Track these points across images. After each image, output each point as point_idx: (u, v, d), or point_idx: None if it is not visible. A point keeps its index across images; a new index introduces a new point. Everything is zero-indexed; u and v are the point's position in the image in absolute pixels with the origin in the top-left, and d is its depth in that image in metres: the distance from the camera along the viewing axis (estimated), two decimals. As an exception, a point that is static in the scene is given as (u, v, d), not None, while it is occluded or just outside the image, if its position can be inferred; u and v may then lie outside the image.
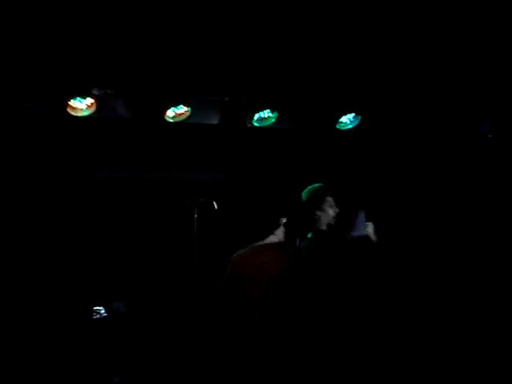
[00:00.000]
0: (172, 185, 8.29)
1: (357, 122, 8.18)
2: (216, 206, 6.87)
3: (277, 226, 6.09)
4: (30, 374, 6.73)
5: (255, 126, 7.97)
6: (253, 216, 7.01)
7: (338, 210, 5.99)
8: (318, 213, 6.01)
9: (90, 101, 7.47)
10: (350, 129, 8.20)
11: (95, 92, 7.49)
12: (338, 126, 8.19)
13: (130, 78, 7.58)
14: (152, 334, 7.49)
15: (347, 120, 8.20)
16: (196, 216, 6.82)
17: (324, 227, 6.02)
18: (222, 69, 7.58)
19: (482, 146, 8.36)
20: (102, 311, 7.26)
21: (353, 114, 8.15)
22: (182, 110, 7.76)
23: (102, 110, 7.53)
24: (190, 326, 6.64)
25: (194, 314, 6.57)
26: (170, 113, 7.72)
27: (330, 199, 6.03)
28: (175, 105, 7.68)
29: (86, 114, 7.49)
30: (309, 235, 6.06)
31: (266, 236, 5.92)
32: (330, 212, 5.99)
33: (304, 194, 6.16)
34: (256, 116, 7.95)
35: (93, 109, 7.48)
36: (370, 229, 5.75)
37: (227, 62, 7.52)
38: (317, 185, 6.15)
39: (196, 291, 6.60)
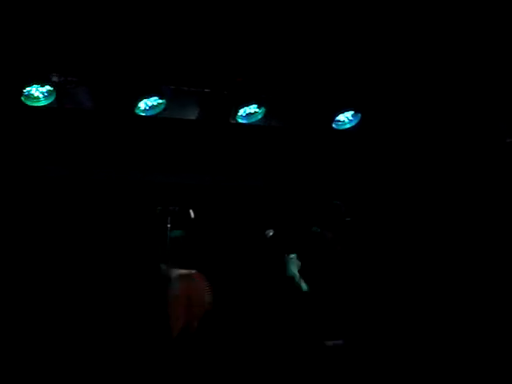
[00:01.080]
0: (142, 188, 7.63)
1: (356, 121, 7.62)
2: (193, 215, 6.36)
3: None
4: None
5: (239, 123, 7.42)
6: (235, 227, 6.56)
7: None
8: None
9: (48, 89, 6.94)
10: (348, 128, 7.63)
11: (54, 79, 6.95)
12: (334, 125, 7.63)
13: (94, 63, 7.00)
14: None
15: (345, 118, 7.65)
16: (169, 226, 6.24)
17: None
18: (201, 55, 7.01)
19: (496, 149, 7.78)
20: None
21: (352, 112, 7.61)
22: (156, 102, 7.18)
23: (62, 99, 7.02)
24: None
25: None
26: (142, 105, 7.16)
27: None
28: (147, 96, 7.13)
29: (43, 103, 6.96)
30: None
31: None
32: None
33: None
34: (241, 111, 7.38)
35: (51, 98, 6.95)
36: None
37: (208, 47, 6.95)
38: None
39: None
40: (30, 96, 6.84)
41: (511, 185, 7.71)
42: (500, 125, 7.68)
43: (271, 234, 6.36)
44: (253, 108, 7.33)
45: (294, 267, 5.66)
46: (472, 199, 7.87)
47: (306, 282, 5.52)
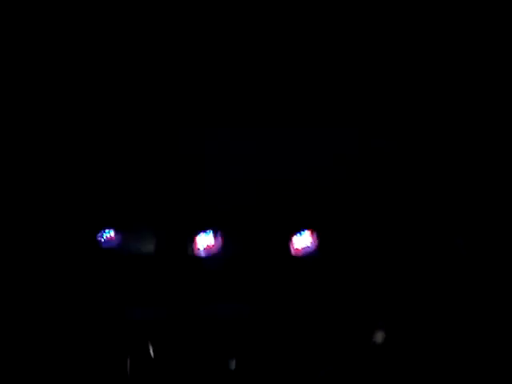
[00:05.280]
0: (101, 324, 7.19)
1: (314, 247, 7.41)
2: (152, 352, 6.28)
3: None
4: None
5: (197, 255, 7.27)
6: (199, 360, 6.39)
7: None
8: None
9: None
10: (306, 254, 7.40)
11: None
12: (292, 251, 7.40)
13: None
14: None
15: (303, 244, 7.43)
16: (129, 364, 6.13)
17: None
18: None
19: (455, 262, 7.53)
20: None
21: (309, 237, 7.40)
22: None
23: None
24: None
25: None
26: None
27: None
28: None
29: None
30: None
31: None
32: None
33: None
34: (199, 243, 7.25)
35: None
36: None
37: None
38: None
39: None
40: None
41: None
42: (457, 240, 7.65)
43: (234, 363, 6.22)
44: (209, 238, 7.20)
45: None
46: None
47: None
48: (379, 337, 5.75)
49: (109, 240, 6.95)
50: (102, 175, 6.83)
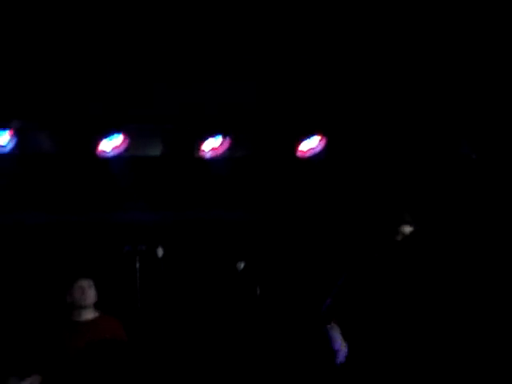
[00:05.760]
0: (108, 229, 7.40)
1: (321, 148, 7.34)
2: (160, 254, 6.25)
3: None
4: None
5: (204, 157, 7.23)
6: (205, 262, 6.50)
7: None
8: None
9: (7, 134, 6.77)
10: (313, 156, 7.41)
11: (14, 124, 6.79)
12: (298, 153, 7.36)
13: (53, 106, 6.84)
14: None
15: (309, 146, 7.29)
16: (138, 266, 6.26)
17: None
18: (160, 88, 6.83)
19: (464, 167, 7.59)
20: None
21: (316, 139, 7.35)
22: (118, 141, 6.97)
23: (23, 144, 6.83)
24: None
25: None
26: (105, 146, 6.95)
27: None
28: (109, 136, 6.94)
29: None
30: None
31: None
32: None
33: None
34: (205, 144, 7.16)
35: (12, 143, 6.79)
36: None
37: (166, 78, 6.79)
38: None
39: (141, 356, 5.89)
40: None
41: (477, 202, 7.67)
42: (462, 145, 7.64)
43: (242, 266, 6.31)
44: (216, 140, 7.14)
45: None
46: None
47: None
48: (406, 229, 5.64)
49: (116, 147, 6.89)
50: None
